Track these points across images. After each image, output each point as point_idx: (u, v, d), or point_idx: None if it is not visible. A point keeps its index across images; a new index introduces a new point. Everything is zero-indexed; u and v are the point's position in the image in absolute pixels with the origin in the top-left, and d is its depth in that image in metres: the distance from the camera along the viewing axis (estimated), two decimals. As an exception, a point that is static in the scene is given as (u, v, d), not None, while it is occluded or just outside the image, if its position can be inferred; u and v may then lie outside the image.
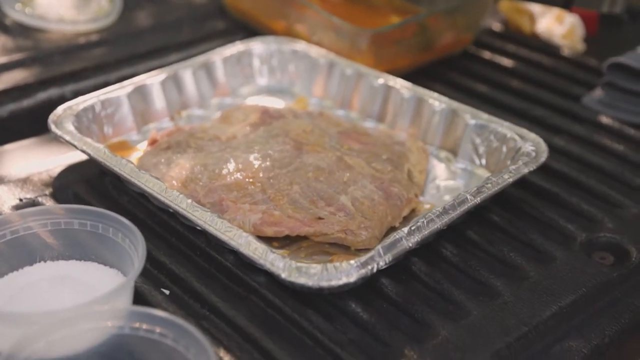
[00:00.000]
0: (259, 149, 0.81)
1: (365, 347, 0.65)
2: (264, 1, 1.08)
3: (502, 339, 0.66)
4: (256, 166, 0.79)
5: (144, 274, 0.71)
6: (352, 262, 0.65)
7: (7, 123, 0.93)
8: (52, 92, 0.96)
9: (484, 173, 0.85)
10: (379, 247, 0.67)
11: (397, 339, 0.66)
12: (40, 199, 0.80)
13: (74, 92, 0.97)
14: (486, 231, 0.78)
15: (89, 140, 0.80)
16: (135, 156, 0.86)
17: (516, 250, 0.76)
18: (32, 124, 0.91)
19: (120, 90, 0.89)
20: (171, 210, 0.77)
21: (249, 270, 0.71)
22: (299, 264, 0.65)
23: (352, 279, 0.64)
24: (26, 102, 0.94)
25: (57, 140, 0.88)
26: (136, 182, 0.75)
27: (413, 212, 0.79)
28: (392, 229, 0.77)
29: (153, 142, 0.87)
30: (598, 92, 1.00)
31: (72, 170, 0.85)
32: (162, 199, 0.72)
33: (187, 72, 0.94)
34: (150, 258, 0.73)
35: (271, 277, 0.70)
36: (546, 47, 1.14)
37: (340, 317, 0.67)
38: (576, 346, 0.68)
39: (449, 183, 0.85)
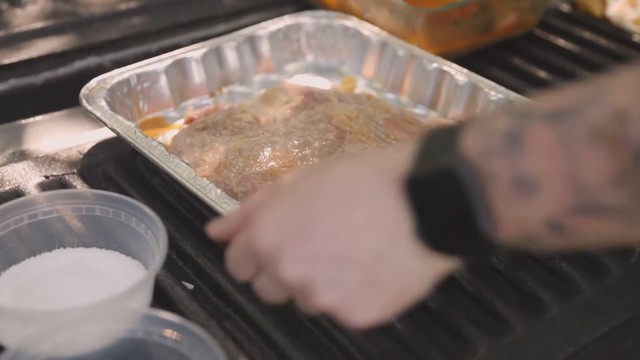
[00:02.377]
0: (298, 136, 0.76)
1: (396, 360, 0.60)
2: (316, -28, 1.02)
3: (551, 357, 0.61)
4: (294, 154, 0.74)
5: (168, 265, 0.67)
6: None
7: (41, 92, 0.89)
8: (91, 60, 0.93)
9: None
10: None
11: (432, 353, 0.61)
12: (67, 177, 0.76)
13: (113, 62, 0.93)
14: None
15: (120, 117, 0.76)
16: (170, 134, 0.82)
17: (569, 260, 0.70)
18: (67, 95, 0.87)
19: (158, 64, 0.85)
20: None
21: (278, 268, 0.67)
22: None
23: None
24: (62, 71, 0.91)
25: (86, 114, 0.85)
26: (164, 166, 0.70)
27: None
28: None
29: (190, 121, 0.83)
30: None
31: (102, 148, 0.81)
32: (190, 186, 0.68)
33: (230, 46, 0.89)
34: (176, 248, 0.70)
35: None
36: (616, 32, 1.06)
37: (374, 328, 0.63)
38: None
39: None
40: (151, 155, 0.71)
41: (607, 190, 0.41)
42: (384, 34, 0.92)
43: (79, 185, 0.75)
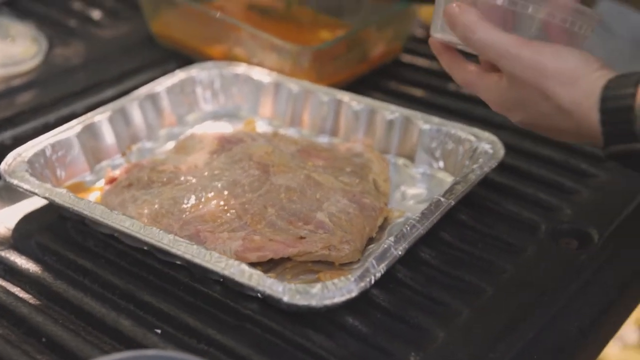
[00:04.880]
0: (226, 176, 0.81)
1: (370, 359, 0.66)
2: (198, 27, 1.07)
3: (496, 332, 0.69)
4: (227, 193, 0.78)
5: (132, 316, 0.69)
6: (349, 277, 0.66)
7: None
8: (-9, 139, 0.93)
9: (444, 176, 0.87)
10: (372, 259, 0.68)
11: (399, 347, 0.67)
12: (2, 254, 0.77)
13: (13, 138, 0.93)
14: (457, 231, 0.80)
15: (48, 185, 0.78)
16: (92, 197, 0.84)
17: (488, 246, 0.79)
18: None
19: (69, 131, 0.87)
20: (146, 248, 0.76)
21: (239, 299, 0.71)
22: (297, 286, 0.65)
23: (354, 293, 0.65)
24: (-37, 154, 0.90)
25: (5, 190, 0.86)
26: (109, 223, 0.73)
27: (385, 220, 0.81)
28: (370, 240, 0.78)
29: (111, 181, 0.85)
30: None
31: (29, 220, 0.82)
32: (141, 237, 0.71)
33: (133, 105, 0.92)
34: (134, 300, 0.72)
35: (263, 303, 0.70)
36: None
37: (340, 333, 0.68)
38: (563, 330, 0.71)
39: (411, 189, 0.87)
40: (94, 215, 0.74)
41: None
42: (274, 74, 0.98)
43: (17, 259, 0.76)
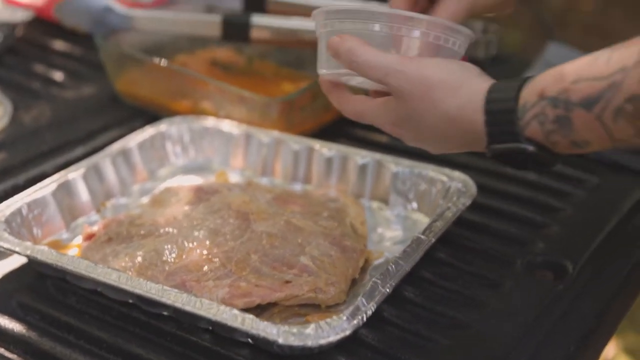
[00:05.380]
0: (206, 226, 0.81)
1: (366, 398, 0.66)
2: (164, 84, 1.08)
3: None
4: (209, 243, 0.79)
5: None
6: (341, 316, 0.67)
7: None
8: (-38, 202, 0.92)
9: (418, 216, 0.89)
10: (361, 297, 0.69)
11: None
12: (-16, 314, 0.76)
13: (-17, 200, 0.93)
14: (437, 268, 0.82)
15: (28, 243, 0.77)
16: (71, 254, 0.84)
17: (468, 282, 0.81)
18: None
19: (44, 190, 0.86)
20: (131, 301, 0.75)
21: (229, 345, 0.71)
22: (291, 327, 0.66)
23: (348, 332, 0.66)
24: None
25: None
26: (95, 277, 0.73)
27: (365, 262, 0.82)
28: (353, 282, 0.79)
29: (89, 237, 0.85)
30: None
31: (8, 280, 0.81)
32: (130, 289, 0.71)
33: (105, 162, 0.93)
34: (122, 353, 0.71)
35: (254, 348, 0.70)
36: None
37: (334, 374, 0.69)
38: (549, 358, 0.73)
39: (388, 230, 0.88)
40: (80, 271, 0.73)
41: (633, 139, 0.61)
42: (244, 126, 1.00)
43: (-1, 319, 0.75)
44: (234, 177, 0.99)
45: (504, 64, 1.27)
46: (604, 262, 0.84)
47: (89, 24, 1.11)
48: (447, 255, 0.84)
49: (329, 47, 0.72)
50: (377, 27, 0.70)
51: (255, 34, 1.09)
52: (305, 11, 1.14)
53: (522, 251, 0.85)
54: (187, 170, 1.00)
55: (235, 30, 1.09)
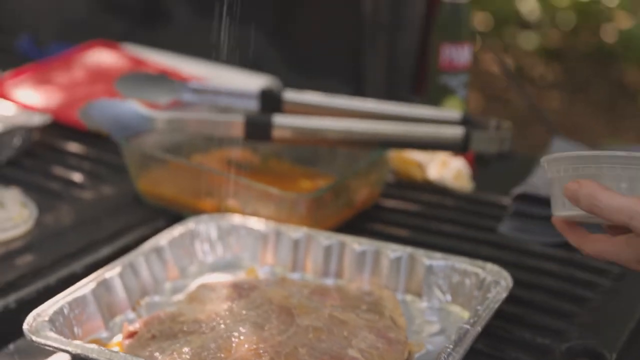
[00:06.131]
0: (251, 321, 0.82)
1: None
2: (188, 182, 1.10)
3: None
4: (256, 337, 0.79)
5: None
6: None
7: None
8: (-3, 303, 0.92)
9: (454, 308, 0.91)
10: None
11: None
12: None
13: (17, 302, 0.93)
14: (478, 359, 0.83)
15: (78, 342, 0.77)
16: (112, 353, 0.83)
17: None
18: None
19: (84, 289, 0.87)
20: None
21: None
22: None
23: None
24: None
25: (13, 356, 0.85)
26: (150, 374, 0.73)
27: (408, 355, 0.83)
28: (400, 374, 0.80)
29: (130, 335, 0.84)
30: (509, 221, 1.11)
31: (53, 381, 0.81)
32: (187, 385, 0.71)
33: (139, 260, 0.94)
34: None
35: None
36: (443, 190, 1.24)
37: None
38: None
39: (425, 322, 0.89)
40: (134, 367, 0.73)
41: None
42: (271, 222, 1.01)
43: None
44: (264, 274, 1.00)
45: (512, 159, 1.32)
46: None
47: (114, 127, 1.13)
48: (486, 346, 0.85)
49: (567, 191, 0.72)
50: (615, 171, 0.71)
51: (277, 133, 1.12)
52: (321, 111, 1.19)
53: (558, 340, 0.86)
54: (217, 267, 1.01)
55: (257, 130, 1.12)
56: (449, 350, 0.75)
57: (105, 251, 1.04)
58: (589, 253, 0.75)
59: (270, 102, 1.22)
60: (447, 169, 1.28)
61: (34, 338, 0.78)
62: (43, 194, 1.16)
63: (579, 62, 3.72)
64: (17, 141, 1.24)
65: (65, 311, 0.84)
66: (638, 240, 0.71)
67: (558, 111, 3.40)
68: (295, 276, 0.99)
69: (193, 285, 0.96)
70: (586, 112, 3.44)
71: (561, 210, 0.76)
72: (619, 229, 0.73)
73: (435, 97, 1.33)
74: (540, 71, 3.69)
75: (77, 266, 1.00)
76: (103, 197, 1.18)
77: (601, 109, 3.45)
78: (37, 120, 1.27)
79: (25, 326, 0.80)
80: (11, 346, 0.86)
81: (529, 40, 3.74)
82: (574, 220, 0.76)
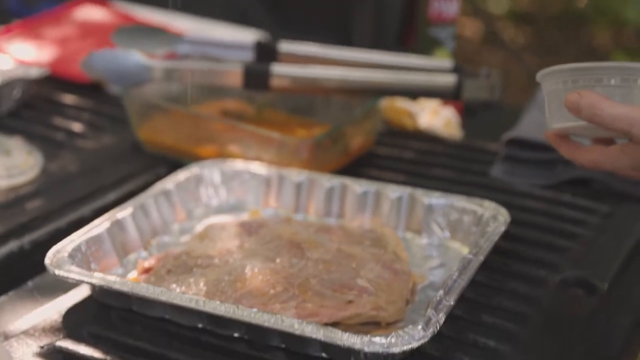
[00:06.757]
0: (263, 255, 0.86)
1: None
2: (189, 130, 1.13)
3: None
4: (269, 270, 0.83)
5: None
6: (417, 325, 0.72)
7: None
8: (12, 245, 0.94)
9: (453, 244, 0.95)
10: (430, 309, 0.74)
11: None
12: (60, 344, 0.78)
13: (31, 243, 0.96)
14: (478, 289, 0.87)
15: (100, 274, 0.81)
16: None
17: (510, 300, 0.87)
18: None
19: (99, 227, 0.90)
20: (200, 325, 0.79)
21: (304, 361, 0.75)
22: (373, 337, 0.70)
23: (427, 338, 0.71)
24: (-12, 258, 0.92)
25: (32, 292, 0.88)
26: (172, 301, 0.76)
27: (412, 285, 0.87)
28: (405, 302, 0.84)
29: (145, 271, 0.88)
30: (500, 165, 1.16)
31: (76, 312, 0.84)
32: (210, 310, 0.75)
33: (150, 202, 0.97)
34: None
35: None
36: (434, 138, 1.28)
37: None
38: None
39: (426, 257, 0.94)
40: (156, 296, 0.77)
41: None
42: (273, 167, 1.05)
43: (74, 347, 0.78)
44: (268, 216, 1.03)
45: (498, 110, 1.37)
46: (630, 279, 0.91)
47: (115, 77, 1.15)
48: (485, 277, 0.90)
49: (568, 102, 0.75)
50: (612, 81, 0.74)
51: (275, 82, 1.15)
52: (316, 62, 1.22)
53: (552, 272, 0.91)
54: (221, 210, 1.04)
55: (255, 79, 1.15)
56: (454, 277, 0.79)
57: (111, 196, 1.07)
58: (583, 163, 0.78)
59: (265, 53, 1.25)
60: (437, 118, 1.32)
61: (56, 272, 0.81)
62: (46, 143, 1.18)
63: (549, 25, 3.77)
64: (16, 93, 1.25)
65: (83, 248, 0.87)
66: (634, 149, 0.74)
67: (530, 74, 3.46)
68: (299, 217, 1.02)
69: (200, 226, 1.00)
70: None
71: (558, 122, 0.78)
72: (607, 143, 0.77)
73: (425, 49, 1.36)
74: (511, 35, 3.74)
75: (85, 210, 1.03)
76: (104, 146, 1.20)
77: (573, 72, 3.51)
78: (35, 72, 1.28)
79: (47, 261, 0.83)
80: (30, 283, 0.89)
81: (498, 4, 3.79)
82: (567, 132, 0.79)
